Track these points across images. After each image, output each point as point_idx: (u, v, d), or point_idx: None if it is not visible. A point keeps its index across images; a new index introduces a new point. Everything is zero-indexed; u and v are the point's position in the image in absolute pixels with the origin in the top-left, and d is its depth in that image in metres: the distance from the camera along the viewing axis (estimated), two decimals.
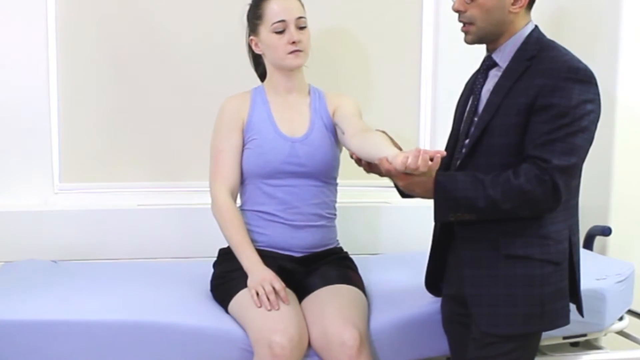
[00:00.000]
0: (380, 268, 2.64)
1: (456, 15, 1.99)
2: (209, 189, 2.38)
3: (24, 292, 2.31)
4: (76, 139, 2.90)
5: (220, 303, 2.30)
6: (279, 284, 2.18)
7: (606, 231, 2.80)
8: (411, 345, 2.25)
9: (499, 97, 1.93)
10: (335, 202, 2.46)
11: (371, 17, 3.04)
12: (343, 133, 2.32)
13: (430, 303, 2.26)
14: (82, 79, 2.88)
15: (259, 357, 2.07)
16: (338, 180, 2.47)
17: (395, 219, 3.02)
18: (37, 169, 2.86)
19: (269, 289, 2.16)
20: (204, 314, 2.23)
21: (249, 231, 2.34)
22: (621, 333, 2.58)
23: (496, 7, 1.93)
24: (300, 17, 2.33)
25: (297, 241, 2.35)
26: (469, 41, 1.99)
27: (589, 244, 2.82)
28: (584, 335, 2.43)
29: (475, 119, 1.99)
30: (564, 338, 2.38)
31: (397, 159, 1.83)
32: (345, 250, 2.49)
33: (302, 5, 2.36)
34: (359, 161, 2.08)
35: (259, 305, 2.14)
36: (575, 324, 2.08)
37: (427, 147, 3.05)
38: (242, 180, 2.40)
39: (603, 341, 2.61)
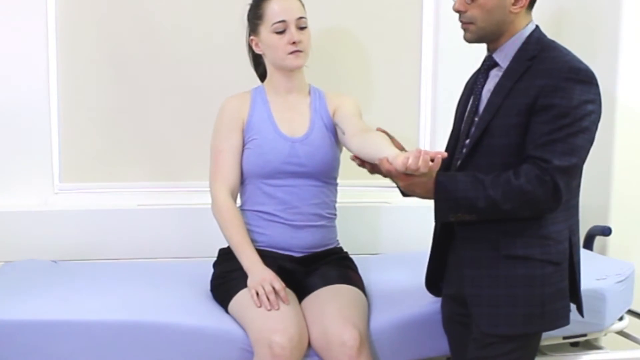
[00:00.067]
0: (380, 268, 2.64)
1: (456, 15, 1.99)
2: (209, 189, 2.38)
3: (24, 292, 2.30)
4: (76, 139, 2.90)
5: (220, 303, 2.30)
6: (279, 284, 2.18)
7: (606, 231, 2.80)
8: (411, 345, 2.25)
9: (500, 97, 1.93)
10: (335, 202, 2.46)
11: (371, 17, 3.04)
12: (343, 133, 2.32)
13: (430, 303, 2.26)
14: (82, 79, 2.88)
15: (259, 357, 2.07)
16: (338, 180, 2.47)
17: (395, 219, 3.02)
18: (37, 169, 2.86)
19: (269, 289, 2.16)
20: (204, 314, 2.23)
21: (249, 231, 2.34)
22: (621, 333, 2.58)
23: (497, 7, 1.93)
24: (301, 18, 2.33)
25: (297, 241, 2.35)
26: (468, 39, 1.99)
27: (589, 244, 2.82)
28: (584, 335, 2.43)
29: (476, 119, 1.99)
30: (564, 338, 2.39)
31: (397, 160, 1.83)
32: (345, 250, 2.49)
33: (303, 5, 2.36)
34: (362, 164, 2.08)
35: (259, 305, 2.14)
36: (575, 324, 2.08)
37: (427, 147, 3.05)
38: (242, 180, 2.40)
39: (603, 341, 2.61)
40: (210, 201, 2.37)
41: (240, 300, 2.21)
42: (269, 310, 2.13)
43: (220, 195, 2.34)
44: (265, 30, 2.33)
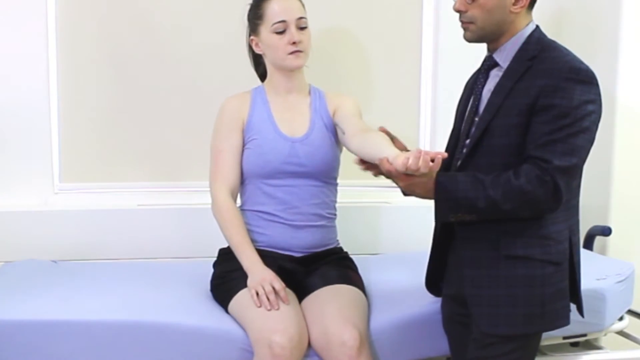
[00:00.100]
0: (380, 268, 2.64)
1: (456, 15, 1.99)
2: (209, 189, 2.38)
3: (24, 292, 2.30)
4: (76, 139, 2.90)
5: (220, 303, 2.30)
6: (278, 284, 2.18)
7: (606, 231, 2.80)
8: (411, 345, 2.25)
9: (500, 97, 1.93)
10: (335, 202, 2.46)
11: (371, 17, 3.04)
12: (343, 133, 2.32)
13: (430, 303, 2.26)
14: (82, 79, 2.88)
15: (259, 357, 2.07)
16: (338, 180, 2.47)
17: (395, 219, 3.02)
18: (37, 169, 2.86)
19: (268, 289, 2.16)
20: (204, 314, 2.23)
21: (249, 231, 2.34)
22: (621, 333, 2.58)
23: (497, 7, 1.93)
24: (301, 18, 2.33)
25: (297, 241, 2.35)
26: (468, 38, 1.99)
27: (589, 244, 2.82)
28: (584, 335, 2.43)
29: (476, 119, 1.99)
30: (564, 338, 2.39)
31: (397, 160, 1.83)
32: (345, 250, 2.49)
33: (303, 5, 2.36)
34: (367, 168, 2.06)
35: (258, 305, 2.14)
36: (575, 324, 2.08)
37: (427, 147, 3.05)
38: (242, 180, 2.40)
39: (603, 341, 2.61)
40: (210, 201, 2.37)
41: (240, 300, 2.21)
42: (269, 310, 2.13)
43: (220, 195, 2.34)
44: (265, 30, 2.33)
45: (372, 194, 3.03)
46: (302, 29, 2.33)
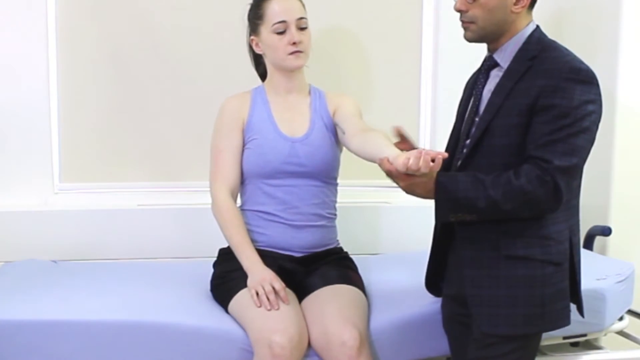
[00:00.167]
0: (380, 268, 2.64)
1: (456, 15, 1.99)
2: (209, 188, 2.38)
3: (24, 292, 2.30)
4: (76, 139, 2.90)
5: (220, 303, 2.30)
6: (278, 284, 2.18)
7: (606, 231, 2.80)
8: (411, 345, 2.25)
9: (500, 97, 1.93)
10: (336, 202, 2.46)
11: (371, 17, 3.04)
12: (344, 133, 2.32)
13: (430, 303, 2.26)
14: (82, 79, 2.88)
15: (259, 357, 2.07)
16: (338, 180, 2.47)
17: (395, 219, 3.02)
18: (37, 169, 2.86)
19: (268, 289, 2.16)
20: (204, 314, 2.23)
21: (249, 231, 2.34)
22: (621, 333, 2.58)
23: (498, 7, 1.93)
24: (301, 18, 2.33)
25: (297, 241, 2.35)
26: (469, 38, 1.99)
27: (589, 244, 2.82)
28: (584, 335, 2.43)
29: (477, 119, 1.99)
30: (564, 338, 2.39)
31: (398, 160, 1.83)
32: (345, 250, 2.49)
33: (303, 5, 2.36)
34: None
35: (258, 305, 2.14)
36: (576, 324, 2.07)
37: (427, 147, 3.05)
38: (242, 180, 2.40)
39: (603, 341, 2.61)
40: (210, 201, 2.37)
41: (240, 300, 2.21)
42: (269, 310, 2.13)
43: (220, 195, 2.34)
44: (265, 30, 2.33)
45: (372, 194, 3.03)
46: (302, 29, 2.33)
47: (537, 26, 1.99)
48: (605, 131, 2.13)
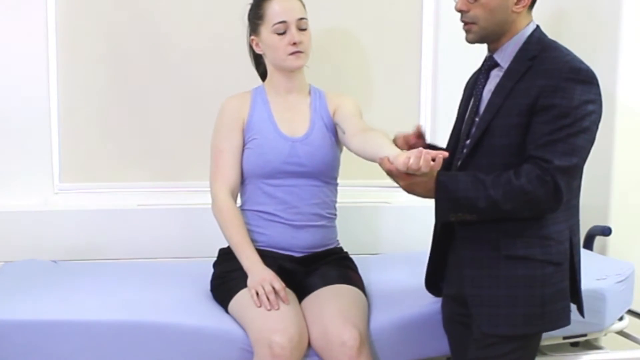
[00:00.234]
0: (380, 268, 2.64)
1: (456, 15, 1.99)
2: (209, 188, 2.38)
3: (24, 292, 2.30)
4: (76, 139, 2.90)
5: (220, 303, 2.30)
6: (278, 284, 2.18)
7: (606, 231, 2.80)
8: (411, 345, 2.25)
9: (501, 97, 1.93)
10: (336, 202, 2.46)
11: (371, 17, 3.04)
12: (344, 133, 2.32)
13: (430, 303, 2.26)
14: (82, 78, 2.88)
15: (259, 357, 2.07)
16: (338, 180, 2.47)
17: (395, 219, 3.02)
18: (37, 169, 2.86)
19: (268, 289, 2.16)
20: (204, 314, 2.23)
21: (249, 231, 2.34)
22: (621, 333, 2.58)
23: (499, 7, 1.93)
24: (302, 19, 2.33)
25: (297, 241, 2.35)
26: (471, 40, 1.99)
27: (589, 244, 2.81)
28: (584, 335, 2.43)
29: (477, 119, 1.99)
30: (564, 338, 2.38)
31: (398, 159, 1.83)
32: (345, 250, 2.48)
33: (304, 5, 2.36)
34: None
35: (258, 305, 2.14)
36: (576, 324, 2.07)
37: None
38: (243, 180, 2.40)
39: (603, 341, 2.61)
40: (210, 201, 2.37)
41: (240, 300, 2.21)
42: (269, 310, 2.13)
43: (221, 195, 2.34)
44: (265, 30, 2.33)
45: (372, 194, 3.03)
46: (302, 29, 2.32)
47: (537, 26, 1.99)
48: (605, 131, 2.13)
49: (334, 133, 2.40)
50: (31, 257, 2.69)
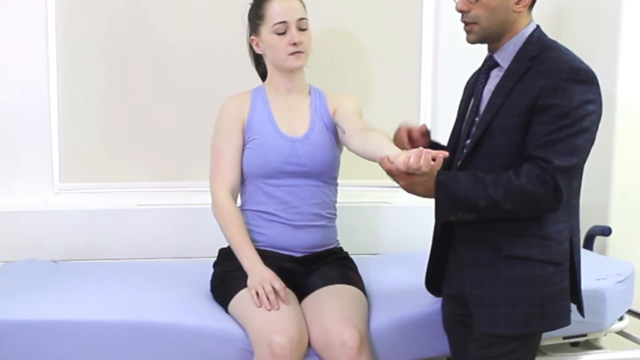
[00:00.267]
0: (380, 268, 2.63)
1: (456, 15, 1.99)
2: (209, 188, 2.38)
3: (24, 292, 2.30)
4: (76, 139, 2.90)
5: (220, 303, 2.30)
6: (278, 284, 2.18)
7: (606, 231, 2.80)
8: (411, 345, 2.25)
9: (501, 97, 1.93)
10: (336, 202, 2.46)
11: (371, 17, 3.04)
12: (344, 132, 2.32)
13: (430, 303, 2.26)
14: (82, 79, 2.88)
15: (259, 357, 2.07)
16: (338, 180, 2.47)
17: (395, 219, 3.02)
18: (37, 169, 2.86)
19: (268, 288, 2.16)
20: (204, 314, 2.23)
21: (249, 231, 2.34)
22: (621, 333, 2.59)
23: (501, 6, 1.92)
24: (302, 19, 2.32)
25: (297, 241, 2.35)
26: (472, 40, 1.99)
27: (589, 244, 2.82)
28: (584, 335, 2.44)
29: (477, 119, 1.99)
30: (564, 338, 2.39)
31: (399, 159, 1.83)
32: (345, 250, 2.48)
33: (304, 6, 2.36)
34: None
35: (258, 305, 2.14)
36: (576, 324, 2.07)
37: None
38: (243, 180, 2.40)
39: (603, 341, 2.62)
40: (210, 201, 2.37)
41: (240, 300, 2.21)
42: (269, 310, 2.13)
43: (221, 195, 2.34)
44: (266, 30, 2.33)
45: (372, 194, 3.03)
46: (303, 29, 2.32)
47: (538, 26, 1.99)
48: (605, 131, 2.13)
49: (334, 133, 2.40)
50: (31, 257, 2.69)
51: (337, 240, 2.48)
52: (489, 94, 1.97)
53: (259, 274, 2.21)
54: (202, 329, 2.15)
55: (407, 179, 1.89)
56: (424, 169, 1.79)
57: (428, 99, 3.10)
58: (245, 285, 2.22)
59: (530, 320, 1.94)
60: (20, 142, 2.83)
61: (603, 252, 2.88)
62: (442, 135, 2.22)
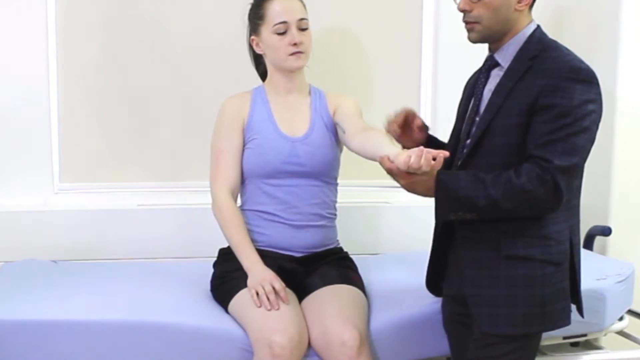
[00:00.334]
0: (380, 268, 2.64)
1: (457, 14, 1.99)
2: (209, 188, 2.38)
3: (24, 292, 2.30)
4: (76, 139, 2.90)
5: (220, 303, 2.30)
6: (278, 284, 2.18)
7: (606, 231, 2.80)
8: (411, 345, 2.25)
9: (501, 97, 1.93)
10: (336, 202, 2.46)
11: (371, 17, 3.04)
12: (344, 132, 2.32)
13: (430, 303, 2.26)
14: (82, 79, 2.88)
15: (259, 357, 2.07)
16: (338, 180, 2.47)
17: (395, 219, 3.02)
18: (37, 169, 2.86)
19: (268, 288, 2.16)
20: (204, 314, 2.23)
21: (249, 231, 2.34)
22: (621, 333, 2.58)
23: (502, 6, 1.92)
24: (302, 19, 2.33)
25: (297, 241, 2.35)
26: (473, 39, 1.98)
27: (589, 244, 2.82)
28: (584, 335, 2.43)
29: (477, 119, 1.99)
30: (564, 338, 2.39)
31: (399, 158, 1.83)
32: (345, 250, 2.49)
33: (304, 6, 2.36)
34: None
35: (258, 305, 2.14)
36: (576, 324, 2.07)
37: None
38: (243, 180, 2.40)
39: (603, 341, 2.61)
40: (210, 201, 2.37)
41: (240, 300, 2.21)
42: (269, 310, 2.13)
43: (221, 195, 2.34)
44: (266, 30, 2.33)
45: (372, 194, 3.03)
46: (303, 30, 2.32)
47: (538, 26, 1.99)
48: (605, 131, 2.13)
49: (334, 133, 2.40)
50: (31, 257, 2.69)
51: (337, 240, 2.48)
52: (489, 94, 1.97)
53: (259, 274, 2.21)
54: (202, 329, 2.15)
55: (408, 178, 1.89)
56: (425, 168, 1.79)
57: (428, 99, 3.10)
58: (245, 285, 2.22)
59: (530, 320, 1.93)
60: (20, 142, 2.83)
61: (603, 252, 2.88)
62: (442, 135, 2.22)
